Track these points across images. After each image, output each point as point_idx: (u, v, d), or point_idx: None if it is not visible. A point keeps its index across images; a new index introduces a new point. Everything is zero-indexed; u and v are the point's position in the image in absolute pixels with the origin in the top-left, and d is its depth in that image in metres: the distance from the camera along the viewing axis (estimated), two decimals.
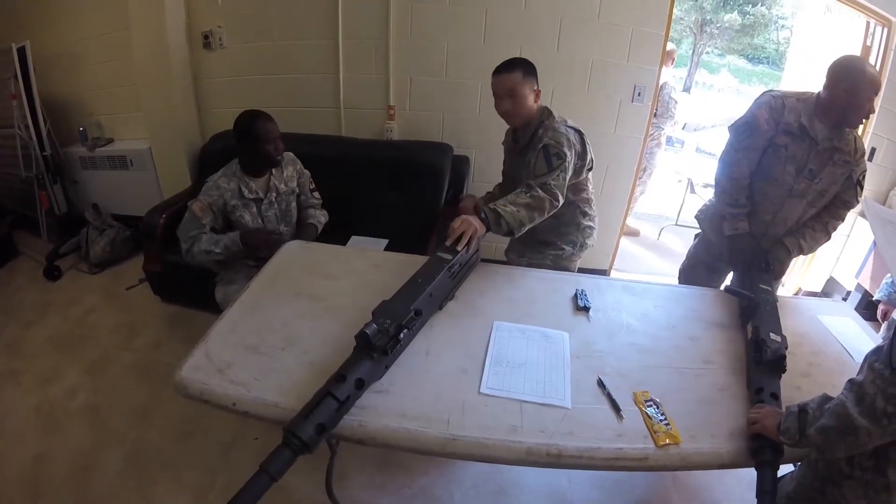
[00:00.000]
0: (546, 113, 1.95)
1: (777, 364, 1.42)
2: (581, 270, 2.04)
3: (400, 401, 1.26)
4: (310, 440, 1.06)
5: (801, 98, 1.88)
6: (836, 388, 1.35)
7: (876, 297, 2.50)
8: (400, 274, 1.56)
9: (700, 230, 2.31)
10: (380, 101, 3.08)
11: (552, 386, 1.34)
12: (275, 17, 2.93)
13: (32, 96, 3.04)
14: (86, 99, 3.41)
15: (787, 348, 1.46)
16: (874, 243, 3.04)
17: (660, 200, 5.25)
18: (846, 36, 3.58)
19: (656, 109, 3.45)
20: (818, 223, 1.97)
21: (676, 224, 4.78)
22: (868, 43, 3.28)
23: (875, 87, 1.73)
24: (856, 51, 3.35)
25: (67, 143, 3.39)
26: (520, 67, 1.89)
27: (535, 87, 1.93)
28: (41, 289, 3.10)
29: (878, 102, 3.15)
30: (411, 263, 1.66)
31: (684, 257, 2.42)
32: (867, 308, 2.82)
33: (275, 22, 2.95)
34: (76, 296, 3.05)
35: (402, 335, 1.31)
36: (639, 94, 2.95)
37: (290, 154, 2.31)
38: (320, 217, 2.39)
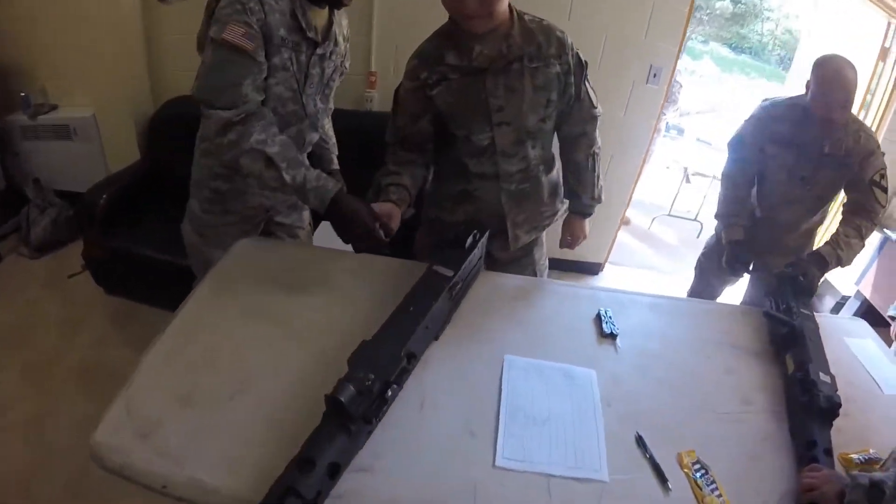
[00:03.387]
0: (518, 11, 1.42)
1: (830, 413, 1.21)
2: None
3: (388, 482, 0.94)
4: None
5: (792, 104, 1.86)
6: (874, 429, 1.27)
7: (890, 313, 2.38)
8: (380, 285, 1.34)
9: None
10: (360, 66, 2.72)
11: (584, 450, 1.05)
12: None
13: None
14: (32, 62, 2.96)
15: (837, 391, 1.25)
16: (879, 249, 2.93)
17: (653, 188, 5.04)
18: (863, 35, 3.43)
19: None
20: (851, 229, 1.82)
21: (669, 214, 4.59)
22: (887, 45, 3.13)
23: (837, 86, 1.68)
24: (874, 52, 3.21)
25: (9, 111, 2.96)
26: None
27: None
28: None
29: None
30: (394, 271, 1.41)
31: (702, 247, 2.42)
32: (864, 317, 2.72)
33: None
34: (17, 284, 2.70)
35: (389, 393, 0.98)
36: (654, 76, 2.67)
37: None
38: (335, 158, 1.86)
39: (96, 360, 2.27)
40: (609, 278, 3.50)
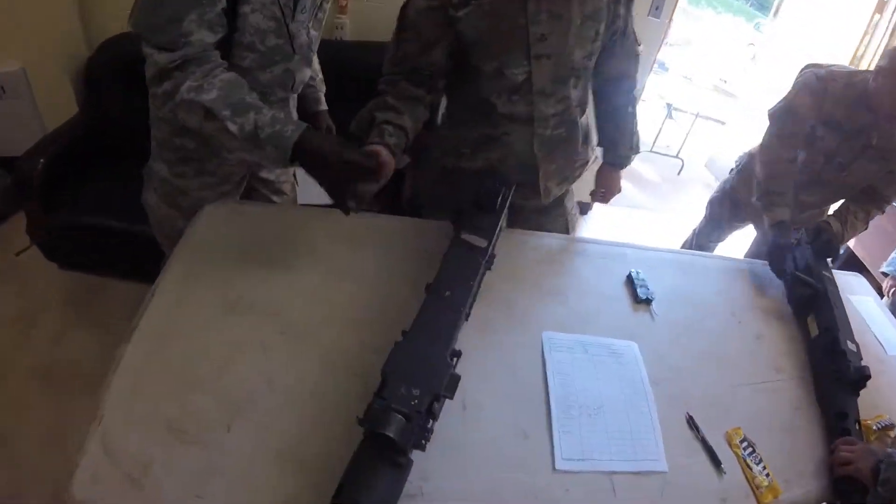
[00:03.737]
0: None
1: (859, 384, 1.20)
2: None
3: None
4: None
5: (850, 83, 1.64)
6: (883, 393, 1.28)
7: (884, 269, 2.36)
8: (384, 253, 1.21)
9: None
10: None
11: (641, 439, 0.99)
12: None
13: None
14: None
15: (862, 359, 1.24)
16: None
17: None
18: None
19: None
20: (861, 211, 1.76)
21: (651, 151, 4.50)
22: None
23: None
24: (870, 3, 3.10)
25: None
26: None
27: None
28: None
29: None
30: (394, 234, 1.29)
31: (715, 190, 2.33)
32: (847, 266, 2.74)
33: None
34: None
35: (436, 405, 0.79)
36: (656, 8, 2.48)
37: None
38: (322, 97, 1.60)
39: (55, 356, 2.00)
40: (598, 218, 3.44)
